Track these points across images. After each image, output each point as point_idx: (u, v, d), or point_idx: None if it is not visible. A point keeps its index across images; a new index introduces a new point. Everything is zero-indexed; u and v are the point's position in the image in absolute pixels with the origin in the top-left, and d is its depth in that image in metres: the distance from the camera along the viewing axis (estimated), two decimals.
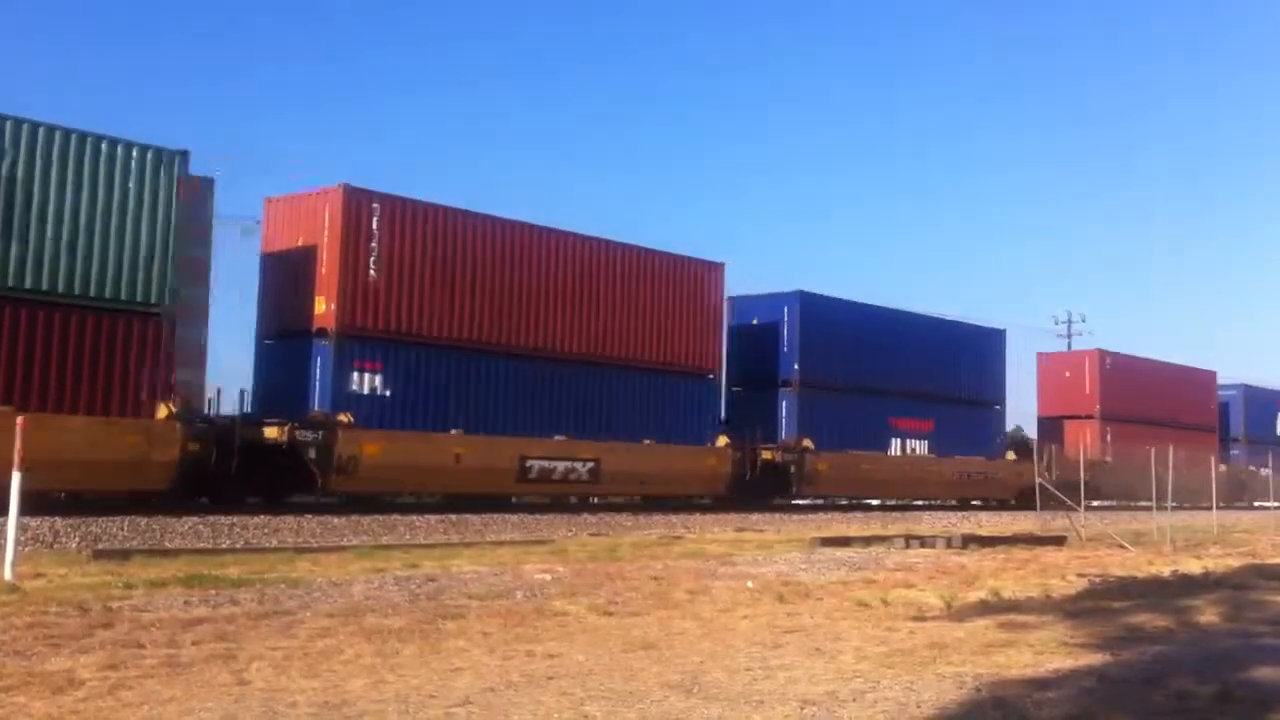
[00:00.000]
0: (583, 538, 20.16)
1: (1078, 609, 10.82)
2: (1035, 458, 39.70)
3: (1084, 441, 43.25)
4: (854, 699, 6.44)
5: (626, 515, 26.07)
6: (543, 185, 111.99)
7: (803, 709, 6.15)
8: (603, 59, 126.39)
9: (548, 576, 12.21)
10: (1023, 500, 37.81)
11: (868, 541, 19.83)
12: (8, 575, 10.69)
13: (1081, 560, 16.94)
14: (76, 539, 16.40)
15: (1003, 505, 38.31)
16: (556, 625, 9.09)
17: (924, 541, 19.64)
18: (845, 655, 7.93)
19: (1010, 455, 39.46)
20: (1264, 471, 43.42)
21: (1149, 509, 36.79)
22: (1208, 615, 10.60)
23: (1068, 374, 45.92)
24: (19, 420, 11.61)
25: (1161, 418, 45.92)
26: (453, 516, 22.44)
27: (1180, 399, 48.46)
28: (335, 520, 20.43)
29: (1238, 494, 48.00)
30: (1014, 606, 10.94)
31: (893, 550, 18.25)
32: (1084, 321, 73.76)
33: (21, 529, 11.78)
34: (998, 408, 39.66)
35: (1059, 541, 21.31)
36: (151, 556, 13.76)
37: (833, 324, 33.39)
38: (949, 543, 19.46)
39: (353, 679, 6.70)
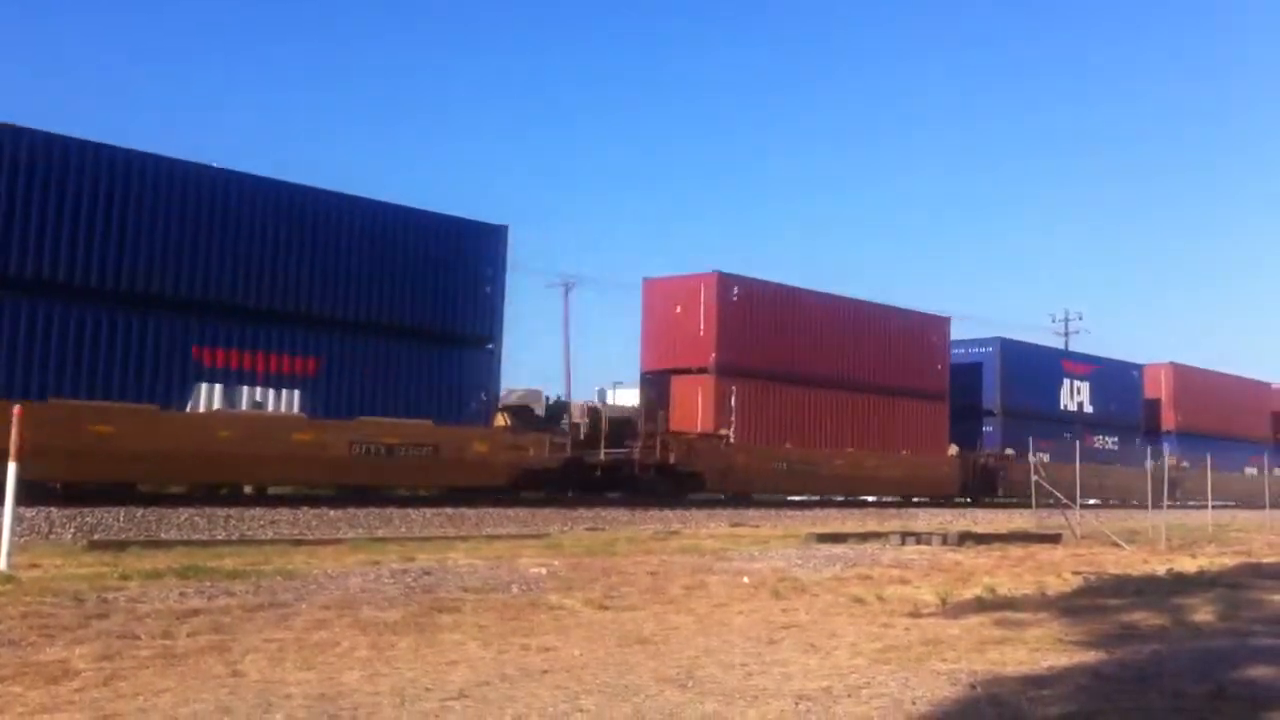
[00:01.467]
0: (578, 532, 20.19)
1: (1073, 606, 10.83)
2: (570, 423, 27.11)
3: (696, 407, 29.90)
4: (849, 695, 6.43)
5: (623, 510, 26.05)
6: None
7: (798, 704, 6.15)
8: None
9: (543, 570, 12.21)
10: (535, 487, 26.63)
11: (863, 538, 19.85)
12: (3, 565, 10.68)
13: (1077, 558, 16.98)
14: (72, 529, 16.40)
15: (494, 496, 25.00)
16: (552, 619, 9.09)
17: (920, 538, 19.66)
18: (840, 651, 7.94)
19: (501, 421, 25.72)
20: (1040, 457, 31.18)
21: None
22: (1203, 614, 10.61)
23: (679, 309, 30.80)
24: (16, 410, 11.59)
25: (837, 378, 32.82)
26: (449, 510, 22.44)
27: (881, 354, 34.37)
28: (331, 512, 20.44)
29: (986, 487, 37.56)
30: (1009, 604, 10.95)
31: (888, 547, 18.27)
32: (1081, 319, 73.43)
33: (17, 519, 11.77)
34: (490, 348, 25.26)
35: (1054, 539, 21.35)
36: (147, 548, 13.78)
37: (52, 173, 19.11)
38: (945, 539, 19.49)
39: (348, 671, 6.70)
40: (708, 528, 22.84)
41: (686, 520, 24.93)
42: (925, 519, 29.61)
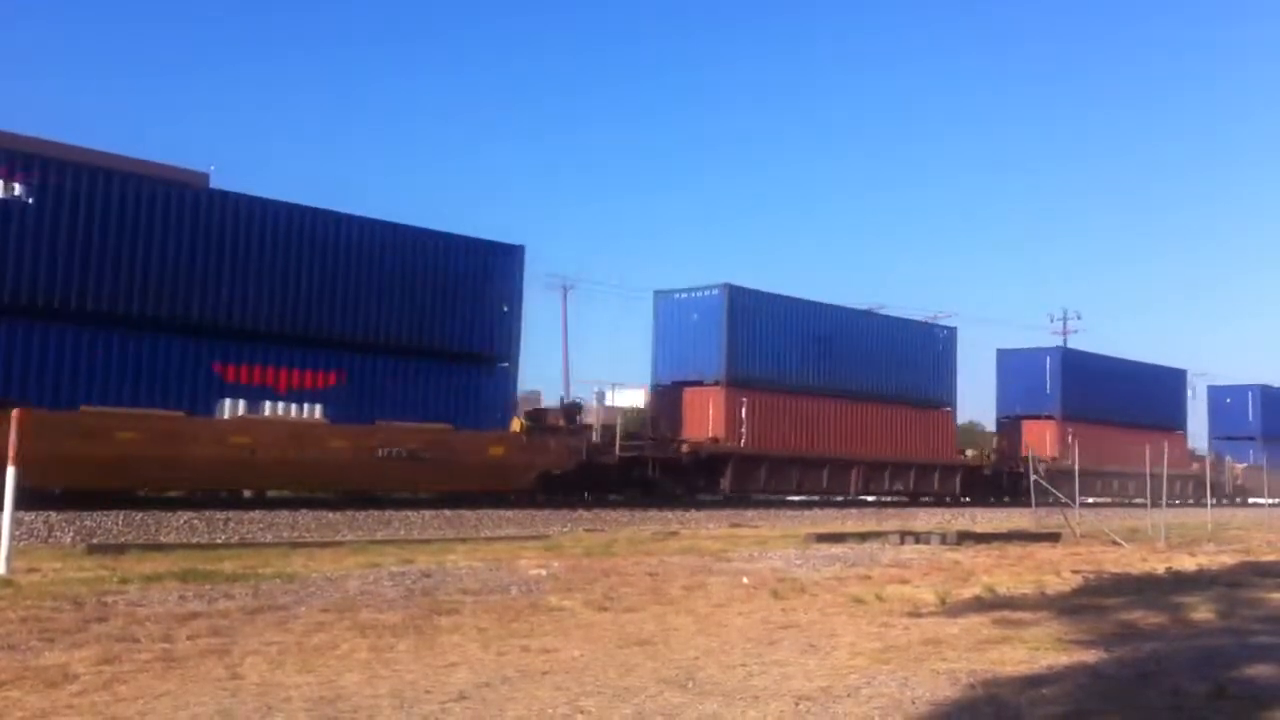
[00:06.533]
0: (578, 533, 20.18)
1: (1072, 606, 10.83)
2: None
3: None
4: (848, 695, 6.43)
5: (622, 511, 26.05)
6: None
7: (797, 704, 6.15)
8: None
9: (543, 572, 12.20)
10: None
11: (863, 537, 19.84)
12: (2, 569, 10.67)
13: (1076, 557, 16.97)
14: (71, 533, 16.40)
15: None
16: (552, 621, 9.08)
17: (919, 538, 19.66)
18: (840, 651, 7.93)
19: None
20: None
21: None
22: (1202, 612, 10.61)
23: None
24: (14, 414, 11.58)
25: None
26: (447, 512, 22.43)
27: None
28: (330, 515, 20.43)
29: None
30: (1008, 603, 10.95)
31: (888, 546, 18.27)
32: (1079, 319, 73.22)
33: (16, 523, 11.77)
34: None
35: (1053, 538, 21.35)
36: (146, 551, 13.77)
37: None
38: (944, 539, 19.48)
39: (347, 674, 6.69)
40: (707, 528, 22.82)
41: (686, 521, 24.93)
42: (924, 518, 29.63)
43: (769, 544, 17.83)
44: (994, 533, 22.22)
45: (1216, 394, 59.56)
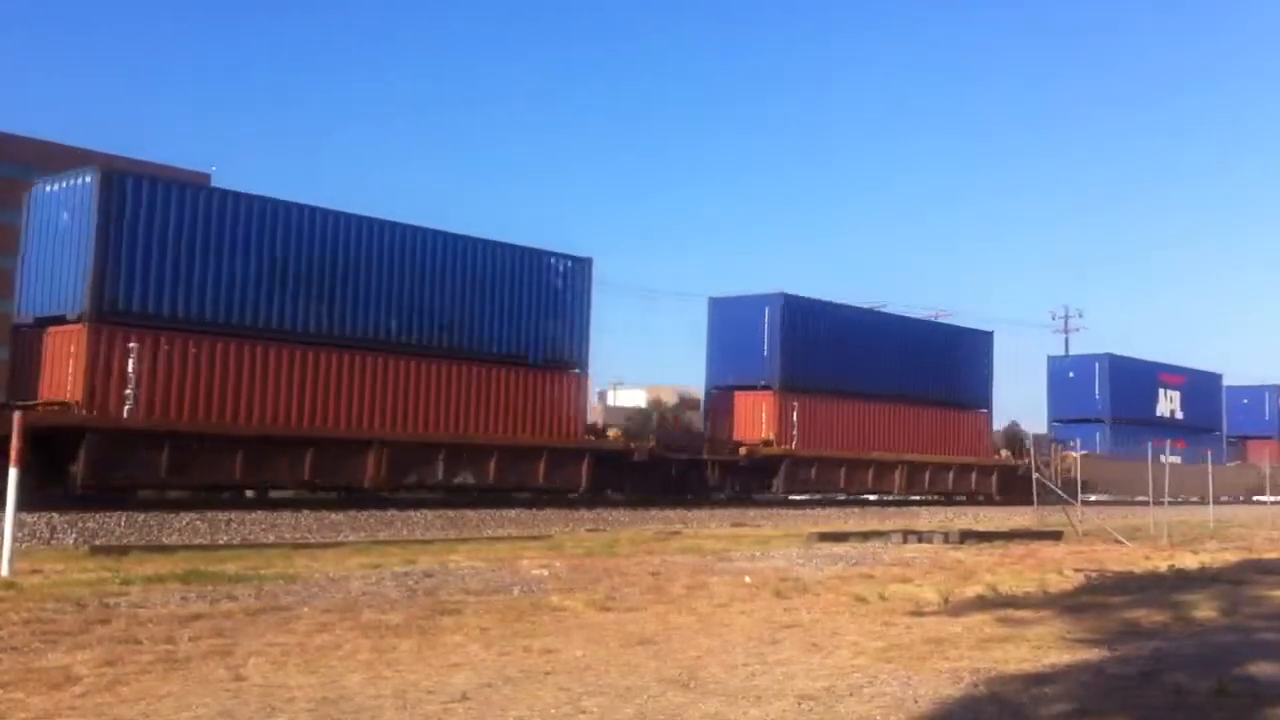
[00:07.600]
0: (579, 533, 20.20)
1: (1075, 604, 10.82)
2: None
3: None
4: (851, 694, 6.43)
5: (624, 510, 26.07)
6: None
7: (800, 704, 6.14)
8: None
9: (545, 572, 12.21)
10: None
11: (865, 537, 19.85)
12: (5, 571, 10.68)
13: (1078, 555, 16.96)
14: (74, 535, 16.41)
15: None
16: (554, 621, 9.08)
17: (921, 537, 19.66)
18: (842, 650, 7.93)
19: None
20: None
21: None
22: (1204, 610, 10.61)
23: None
24: (16, 416, 11.60)
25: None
26: (450, 512, 22.46)
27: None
28: (333, 516, 20.45)
29: None
30: (1011, 602, 10.95)
31: (890, 545, 18.27)
32: (1081, 317, 72.89)
33: (19, 525, 11.77)
34: None
35: (1056, 536, 21.36)
36: (149, 552, 13.79)
37: None
38: (946, 538, 19.48)
39: (350, 675, 6.69)
40: (709, 528, 22.84)
41: (688, 520, 24.94)
42: (927, 517, 29.65)
43: (771, 543, 17.84)
44: (996, 531, 22.23)
45: (1057, 367, 52.12)
